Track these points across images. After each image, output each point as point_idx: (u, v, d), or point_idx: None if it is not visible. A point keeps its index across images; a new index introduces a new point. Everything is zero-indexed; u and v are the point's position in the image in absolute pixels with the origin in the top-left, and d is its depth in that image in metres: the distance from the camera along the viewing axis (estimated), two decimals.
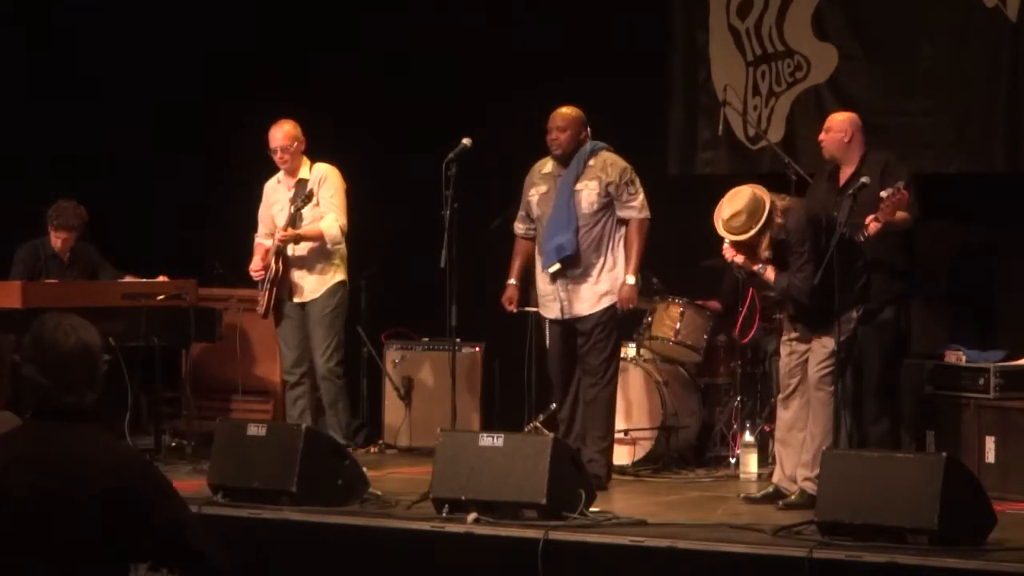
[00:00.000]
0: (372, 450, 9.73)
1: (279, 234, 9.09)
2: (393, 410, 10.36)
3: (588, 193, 8.50)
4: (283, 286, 9.18)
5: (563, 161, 8.60)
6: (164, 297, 9.66)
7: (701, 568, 6.69)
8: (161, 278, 9.90)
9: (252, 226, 11.18)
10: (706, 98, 10.40)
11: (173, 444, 9.80)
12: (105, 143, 11.31)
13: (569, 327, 8.55)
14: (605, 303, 8.48)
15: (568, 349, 8.58)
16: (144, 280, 9.92)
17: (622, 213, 8.55)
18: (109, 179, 10.98)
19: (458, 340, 8.79)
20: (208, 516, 7.23)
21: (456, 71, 10.82)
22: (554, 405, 8.96)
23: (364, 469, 8.24)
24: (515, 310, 8.78)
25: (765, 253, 7.72)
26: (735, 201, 7.71)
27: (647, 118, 10.44)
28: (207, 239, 11.20)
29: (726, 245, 7.83)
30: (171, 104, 11.48)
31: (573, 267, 8.49)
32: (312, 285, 9.17)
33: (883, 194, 8.10)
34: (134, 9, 11.54)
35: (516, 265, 8.81)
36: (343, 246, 9.23)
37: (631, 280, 8.52)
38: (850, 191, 7.90)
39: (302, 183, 9.17)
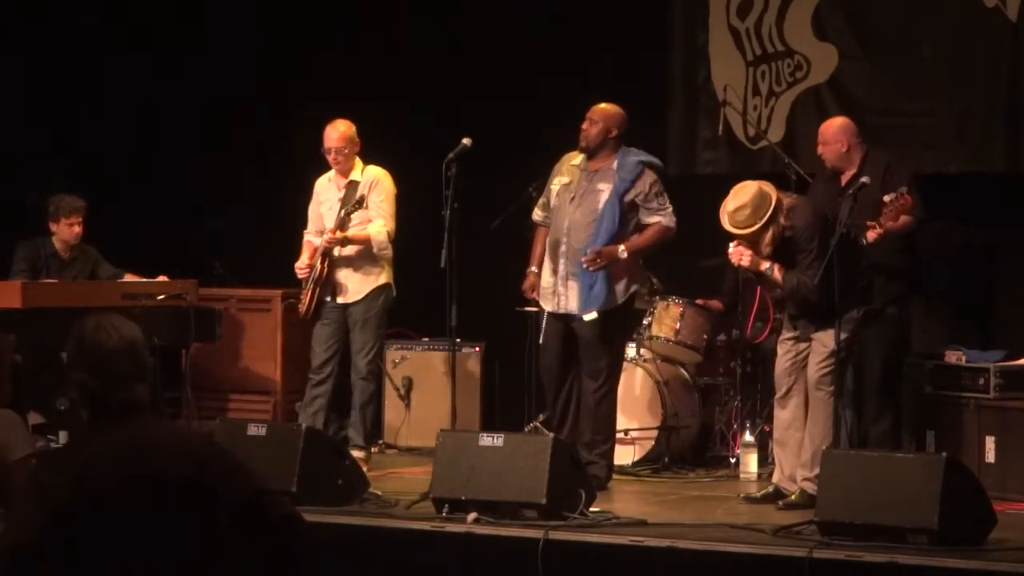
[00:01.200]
0: (372, 450, 9.71)
1: (327, 236, 9.06)
2: (393, 410, 10.36)
3: (608, 195, 8.46)
4: (326, 286, 9.13)
5: (588, 154, 8.54)
6: (164, 297, 9.66)
7: (701, 568, 6.69)
8: (161, 278, 9.90)
9: (253, 225, 11.21)
10: (706, 98, 10.40)
11: None
12: (105, 143, 11.32)
13: (566, 324, 8.52)
14: (602, 307, 8.45)
15: (564, 347, 8.53)
16: (144, 280, 9.92)
17: (649, 219, 8.45)
18: (109, 179, 10.98)
19: (458, 340, 8.79)
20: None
21: (456, 70, 10.82)
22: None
23: (364, 469, 8.26)
24: (537, 296, 8.72)
25: (766, 249, 7.71)
26: (740, 195, 7.70)
27: (647, 118, 10.43)
28: (207, 239, 11.21)
29: (732, 247, 7.80)
30: (172, 104, 11.48)
31: (577, 266, 8.44)
32: (355, 286, 9.11)
33: (886, 198, 8.12)
34: (134, 8, 11.54)
35: (537, 253, 8.69)
36: (390, 251, 9.18)
37: (623, 251, 8.39)
38: (850, 191, 7.90)
39: (353, 184, 9.11)
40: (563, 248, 8.47)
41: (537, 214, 8.75)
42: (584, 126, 8.51)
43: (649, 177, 8.47)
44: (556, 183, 8.59)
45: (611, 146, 8.49)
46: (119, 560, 3.78)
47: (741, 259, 7.78)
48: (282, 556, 3.97)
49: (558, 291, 8.46)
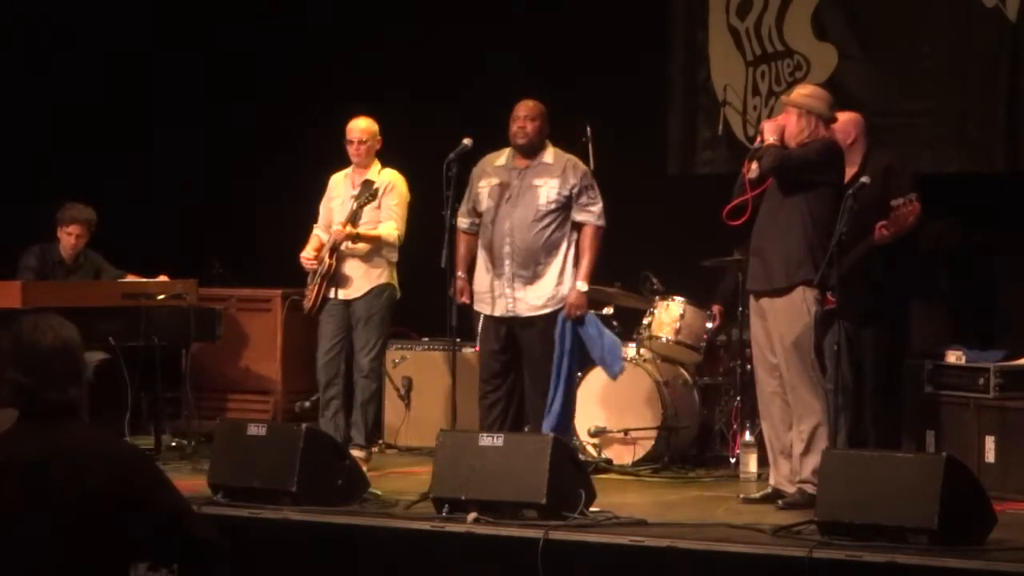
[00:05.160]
0: (373, 450, 9.72)
1: (336, 229, 9.05)
2: (393, 410, 10.36)
3: (547, 190, 8.51)
4: (330, 282, 9.13)
5: (526, 152, 8.56)
6: (164, 297, 9.66)
7: (701, 568, 6.69)
8: (161, 278, 9.91)
9: (253, 225, 11.21)
10: (706, 98, 10.41)
11: (173, 444, 9.80)
12: (105, 143, 11.32)
13: (508, 327, 8.57)
14: (550, 308, 8.49)
15: (503, 349, 8.59)
16: (144, 280, 9.92)
17: (580, 217, 8.52)
18: (109, 179, 10.98)
19: (458, 340, 8.79)
20: (208, 516, 7.23)
21: (455, 69, 10.82)
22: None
23: (364, 469, 8.26)
24: (467, 301, 8.72)
25: (798, 139, 7.71)
26: (813, 84, 8.10)
27: (647, 118, 10.44)
28: (207, 239, 11.21)
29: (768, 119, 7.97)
30: (172, 104, 11.48)
31: (523, 267, 8.49)
32: (358, 283, 9.11)
33: (894, 203, 8.14)
34: (134, 8, 11.54)
35: (462, 258, 8.71)
36: (395, 254, 9.19)
37: (582, 287, 8.48)
38: (850, 191, 7.90)
39: (368, 183, 9.13)
40: (507, 249, 8.51)
41: (462, 221, 8.74)
42: (520, 124, 8.53)
43: (580, 168, 8.54)
44: (484, 186, 8.61)
45: (544, 142, 8.56)
46: (30, 561, 3.75)
47: (773, 121, 7.87)
48: None
49: (504, 294, 8.50)
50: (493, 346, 8.60)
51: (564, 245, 8.51)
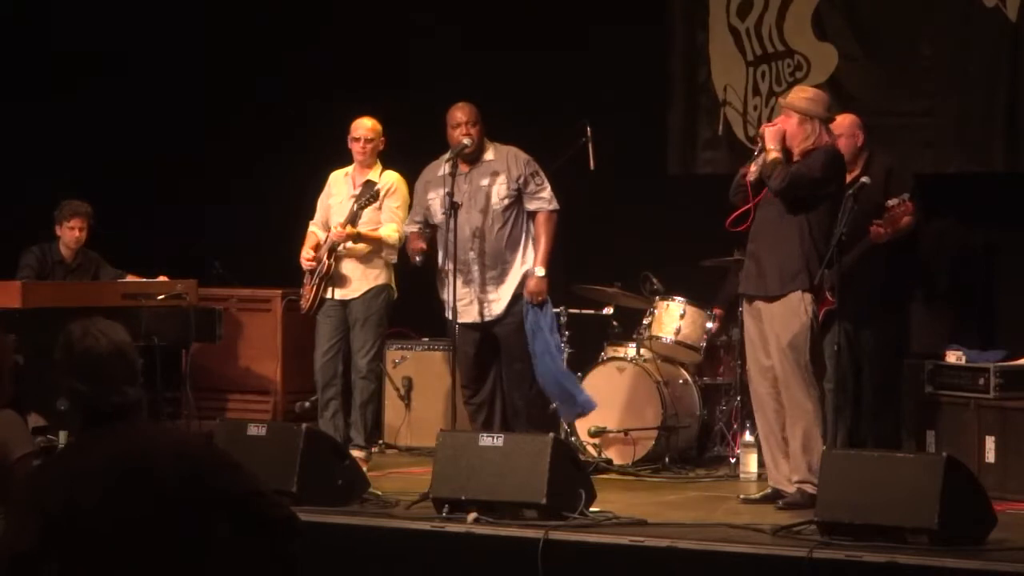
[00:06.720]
0: (372, 450, 9.73)
1: (336, 230, 9.04)
2: (393, 410, 10.36)
3: (497, 188, 8.51)
4: (328, 282, 9.13)
5: (471, 158, 8.57)
6: (164, 297, 9.66)
7: (701, 568, 6.69)
8: (161, 278, 9.91)
9: (253, 225, 11.20)
10: (706, 98, 10.41)
11: None
12: (105, 143, 11.32)
13: (486, 331, 8.58)
14: (516, 294, 8.55)
15: (481, 349, 8.64)
16: (144, 280, 9.92)
17: (532, 206, 8.56)
18: (110, 179, 10.98)
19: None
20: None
21: (454, 70, 10.81)
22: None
23: (364, 469, 8.26)
24: (424, 247, 8.67)
25: (802, 146, 7.67)
26: (810, 87, 8.05)
27: (647, 118, 10.44)
28: (207, 239, 11.21)
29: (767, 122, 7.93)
30: (172, 104, 11.48)
31: (492, 268, 8.51)
32: (356, 283, 9.10)
33: (889, 203, 8.13)
34: (133, 9, 11.54)
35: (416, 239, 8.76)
36: (395, 256, 9.20)
37: (539, 271, 8.50)
38: (850, 191, 7.90)
39: (370, 184, 9.13)
40: (472, 255, 8.52)
41: (413, 229, 8.78)
42: (464, 131, 8.52)
43: (521, 157, 8.56)
44: (433, 198, 8.61)
45: (484, 141, 8.59)
46: (118, 562, 3.77)
47: (772, 126, 7.82)
48: (279, 558, 3.96)
49: (476, 299, 8.52)
50: (469, 349, 8.63)
51: (523, 236, 8.56)
